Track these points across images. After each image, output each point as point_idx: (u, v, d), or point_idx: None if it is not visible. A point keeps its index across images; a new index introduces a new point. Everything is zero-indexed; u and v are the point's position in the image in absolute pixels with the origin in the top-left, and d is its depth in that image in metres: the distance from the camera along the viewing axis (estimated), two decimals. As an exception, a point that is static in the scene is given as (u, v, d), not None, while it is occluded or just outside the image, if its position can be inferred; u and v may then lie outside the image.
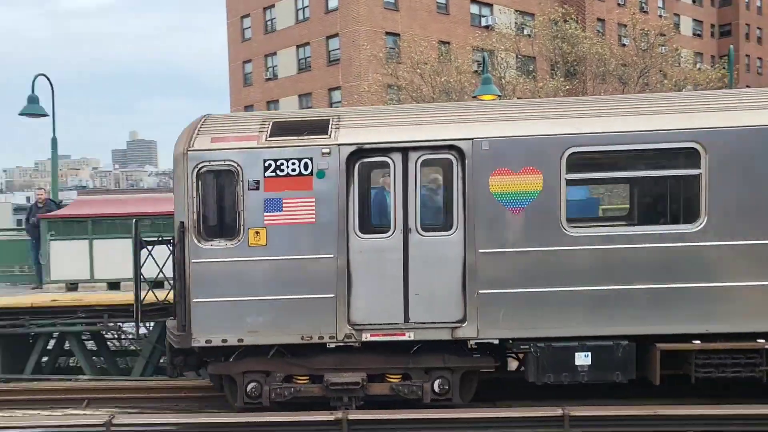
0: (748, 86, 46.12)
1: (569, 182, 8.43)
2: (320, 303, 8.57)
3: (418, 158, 8.59)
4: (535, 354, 8.52)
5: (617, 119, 8.48)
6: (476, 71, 35.66)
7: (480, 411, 8.39)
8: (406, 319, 8.59)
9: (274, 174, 8.58)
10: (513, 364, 10.35)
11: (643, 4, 57.12)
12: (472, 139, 8.46)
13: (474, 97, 17.65)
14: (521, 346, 8.61)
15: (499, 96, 17.26)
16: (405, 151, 8.59)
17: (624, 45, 41.95)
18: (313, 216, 8.56)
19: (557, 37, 34.49)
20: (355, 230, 8.61)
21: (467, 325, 8.49)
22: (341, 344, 8.67)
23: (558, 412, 7.70)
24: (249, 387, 8.89)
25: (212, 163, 8.66)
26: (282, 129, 8.79)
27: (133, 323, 10.54)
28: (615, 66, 34.21)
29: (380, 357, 8.85)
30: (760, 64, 74.69)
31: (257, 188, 8.58)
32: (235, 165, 8.61)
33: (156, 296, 9.39)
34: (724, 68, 33.15)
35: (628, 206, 10.44)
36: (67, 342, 13.02)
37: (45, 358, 13.30)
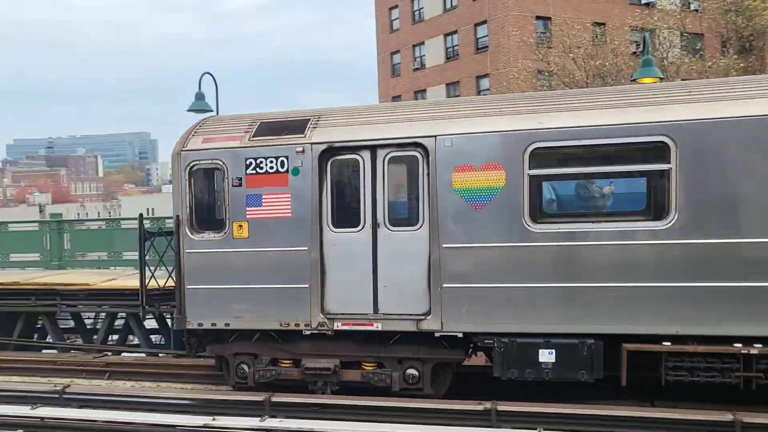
0: None
1: (533, 178, 8.36)
2: (296, 292, 9.13)
3: (385, 155, 8.88)
4: (499, 349, 8.57)
5: (585, 113, 8.28)
6: (634, 53, 33.72)
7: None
8: (376, 310, 8.95)
9: (254, 171, 9.22)
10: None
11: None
12: (435, 136, 8.62)
13: (633, 80, 16.41)
14: (486, 341, 8.69)
15: (661, 78, 15.44)
16: (373, 149, 8.91)
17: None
18: (289, 211, 9.12)
19: (730, 10, 31.84)
20: (329, 224, 9.07)
21: (431, 318, 8.71)
22: (315, 332, 9.18)
23: (487, 406, 7.80)
24: (238, 368, 9.66)
25: (202, 162, 9.46)
26: (265, 129, 9.40)
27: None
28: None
29: (355, 345, 9.28)
30: None
31: (240, 185, 9.27)
32: (222, 163, 9.34)
33: (157, 282, 10.37)
34: None
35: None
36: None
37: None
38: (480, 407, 7.84)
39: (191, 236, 9.49)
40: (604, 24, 40.87)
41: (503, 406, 7.76)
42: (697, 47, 36.02)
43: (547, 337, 8.43)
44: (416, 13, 50.74)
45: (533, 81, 35.55)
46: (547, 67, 33.50)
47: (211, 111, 18.66)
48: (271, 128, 9.39)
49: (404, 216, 9.02)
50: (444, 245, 8.61)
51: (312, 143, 9.02)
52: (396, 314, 8.87)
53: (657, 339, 8.12)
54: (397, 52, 52.80)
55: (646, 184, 8.28)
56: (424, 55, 50.30)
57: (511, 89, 33.25)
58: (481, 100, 9.08)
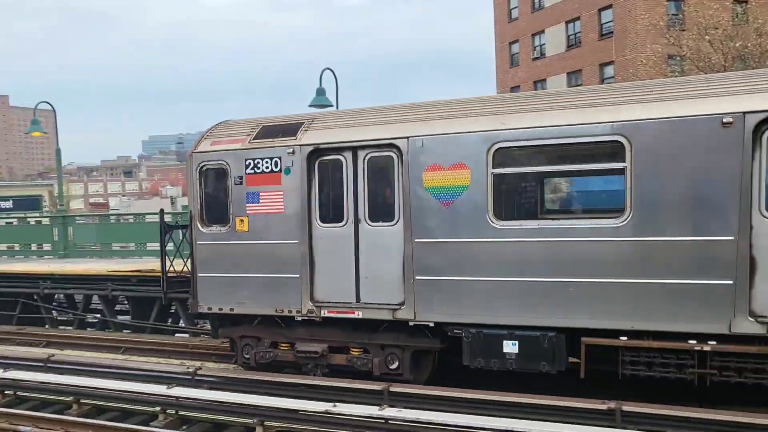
0: None
1: (496, 176, 8.74)
2: (288, 282, 9.99)
3: (365, 156, 9.54)
4: (467, 339, 9.04)
5: (543, 114, 8.55)
6: (782, 31, 30.43)
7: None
8: (358, 299, 9.65)
9: (253, 171, 10.15)
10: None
11: None
12: (408, 137, 9.18)
13: None
14: (455, 331, 9.17)
15: None
16: (355, 150, 9.59)
17: None
18: (282, 207, 9.99)
19: None
20: (317, 220, 9.86)
21: (406, 308, 9.30)
22: (305, 318, 10.00)
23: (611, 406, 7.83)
24: (244, 349, 10.68)
25: (210, 162, 10.50)
26: (264, 133, 10.31)
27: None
28: None
29: (343, 332, 10.02)
30: None
31: (241, 183, 10.23)
32: (226, 164, 10.35)
33: (175, 269, 11.53)
34: None
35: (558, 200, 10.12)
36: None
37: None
38: (603, 406, 7.82)
39: (202, 229, 10.57)
40: (746, 1, 37.44)
41: (628, 407, 7.68)
42: None
43: (511, 329, 8.81)
44: (536, 0, 49.34)
45: (663, 67, 33.15)
46: (679, 51, 31.21)
47: (331, 105, 19.21)
48: (269, 132, 10.28)
49: (382, 212, 9.62)
50: (416, 240, 9.17)
51: (301, 145, 9.83)
52: (375, 303, 9.53)
53: (616, 334, 8.31)
54: (516, 41, 51.35)
55: (604, 183, 8.45)
56: (544, 44, 48.71)
57: (639, 76, 31.25)
58: (454, 102, 9.51)
